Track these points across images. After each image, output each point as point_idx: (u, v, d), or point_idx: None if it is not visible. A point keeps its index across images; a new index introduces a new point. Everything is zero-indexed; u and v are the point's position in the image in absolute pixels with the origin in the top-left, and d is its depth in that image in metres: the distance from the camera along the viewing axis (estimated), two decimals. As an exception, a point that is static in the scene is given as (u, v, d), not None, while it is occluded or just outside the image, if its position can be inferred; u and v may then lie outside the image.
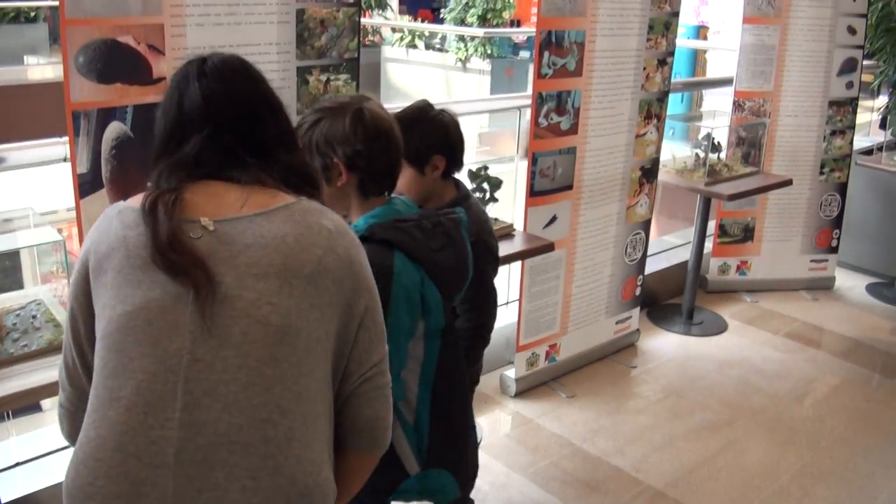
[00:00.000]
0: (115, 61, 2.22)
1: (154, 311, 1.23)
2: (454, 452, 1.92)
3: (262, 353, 1.24)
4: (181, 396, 1.20)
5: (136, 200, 1.32)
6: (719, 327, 4.54)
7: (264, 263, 1.27)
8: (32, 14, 10.83)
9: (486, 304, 2.29)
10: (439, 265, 1.84)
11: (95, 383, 1.26)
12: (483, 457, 3.19)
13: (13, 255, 2.81)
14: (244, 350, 1.23)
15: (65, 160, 2.33)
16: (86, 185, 2.27)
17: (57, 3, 2.15)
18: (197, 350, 1.22)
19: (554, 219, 3.62)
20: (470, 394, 2.15)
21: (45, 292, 2.72)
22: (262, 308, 1.25)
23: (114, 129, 2.27)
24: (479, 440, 2.74)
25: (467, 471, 2.00)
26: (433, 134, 2.20)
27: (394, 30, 11.95)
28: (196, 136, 1.36)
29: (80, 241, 2.31)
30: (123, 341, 1.23)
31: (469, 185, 3.24)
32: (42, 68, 9.68)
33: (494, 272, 2.32)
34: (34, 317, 2.58)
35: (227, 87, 1.39)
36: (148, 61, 2.29)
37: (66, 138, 2.22)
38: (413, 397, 1.85)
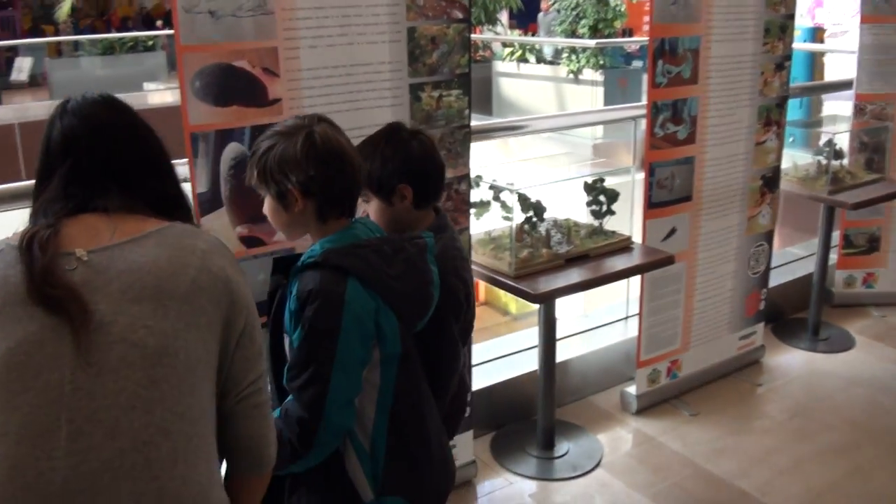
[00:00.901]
0: (230, 85, 2.24)
1: (34, 345, 1.22)
2: (412, 480, 1.84)
3: (140, 377, 1.23)
4: (65, 426, 1.19)
5: (16, 239, 1.32)
6: (846, 343, 4.27)
7: (137, 287, 1.27)
8: (150, 43, 11.28)
9: (444, 352, 1.98)
10: (397, 292, 1.76)
11: None
12: (604, 475, 3.10)
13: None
14: (122, 374, 1.23)
15: (185, 181, 2.33)
16: (206, 204, 2.28)
17: (173, 32, 2.15)
18: (77, 379, 1.21)
19: (673, 231, 3.47)
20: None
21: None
22: (137, 331, 1.25)
23: (232, 149, 2.29)
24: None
25: (429, 499, 1.91)
26: (395, 161, 1.98)
27: (504, 44, 11.90)
28: (58, 170, 1.38)
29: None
30: (7, 377, 1.22)
31: (585, 198, 3.14)
32: (161, 93, 10.06)
33: (457, 319, 2.00)
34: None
35: (84, 120, 1.40)
36: (263, 84, 2.29)
37: (185, 160, 2.24)
38: (369, 423, 1.78)
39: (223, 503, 1.34)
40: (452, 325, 1.98)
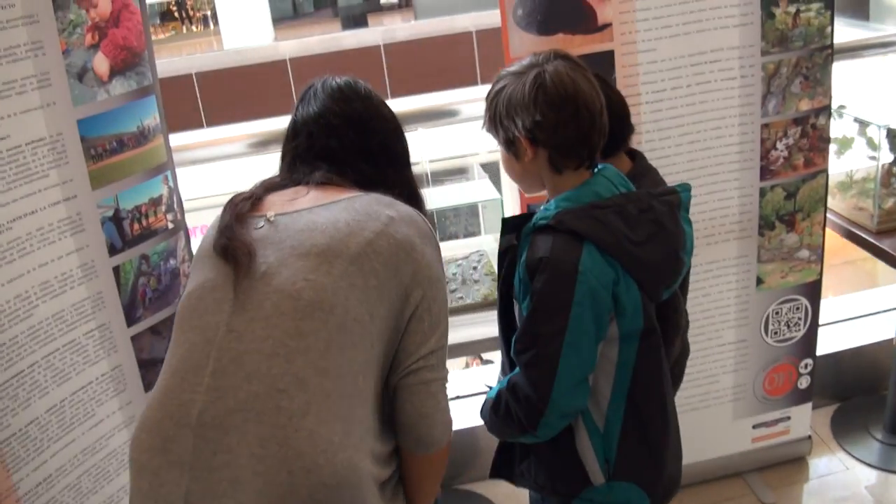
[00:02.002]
0: (556, 11, 2.01)
1: (206, 290, 1.30)
2: (648, 466, 1.60)
3: (289, 326, 1.24)
4: (212, 363, 1.23)
5: None
6: None
7: (308, 244, 1.29)
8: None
9: (669, 311, 1.70)
10: (641, 260, 1.50)
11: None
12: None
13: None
14: (272, 322, 1.24)
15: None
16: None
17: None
18: (232, 322, 1.25)
19: None
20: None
21: (491, 242, 2.61)
22: (296, 283, 1.26)
23: None
24: None
25: (663, 487, 1.65)
26: None
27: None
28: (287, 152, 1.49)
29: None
30: (182, 317, 1.32)
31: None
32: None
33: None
34: (474, 268, 2.48)
35: (315, 107, 1.46)
36: (592, 8, 2.03)
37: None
38: (604, 402, 1.56)
39: (354, 469, 1.24)
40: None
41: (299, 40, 8.96)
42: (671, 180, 2.21)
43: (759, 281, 2.33)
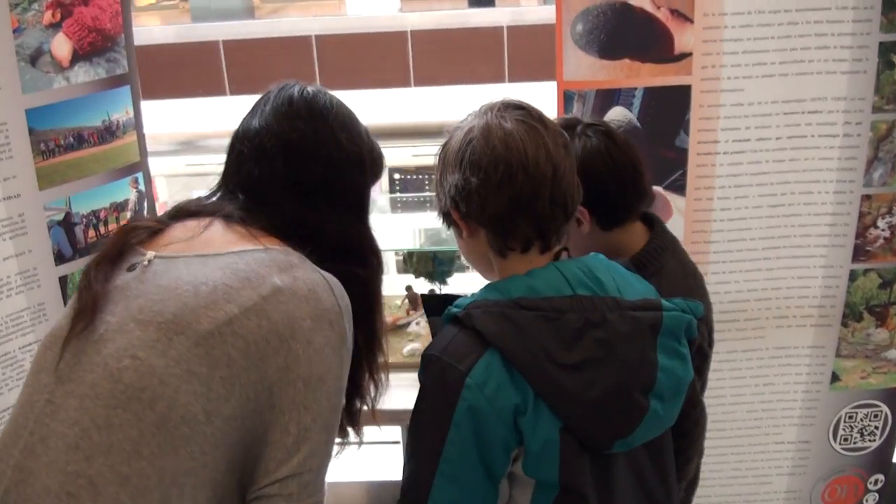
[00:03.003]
0: (624, 31, 1.72)
1: (55, 340, 1.07)
2: None
3: (99, 414, 1.00)
4: (25, 437, 1.02)
5: None
6: None
7: (155, 310, 1.03)
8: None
9: (681, 433, 1.31)
10: (566, 392, 1.08)
11: None
12: None
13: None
14: (85, 404, 1.01)
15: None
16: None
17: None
18: (54, 392, 1.03)
19: None
20: None
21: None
22: (122, 360, 1.01)
23: (615, 114, 1.81)
24: None
25: None
26: None
27: None
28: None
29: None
30: (32, 363, 1.11)
31: None
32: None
33: (700, 374, 1.41)
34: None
35: (257, 122, 1.18)
36: (668, 31, 1.72)
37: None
38: None
39: None
40: (696, 392, 1.38)
41: (423, 13, 8.76)
42: (742, 247, 1.86)
43: (835, 378, 1.95)
